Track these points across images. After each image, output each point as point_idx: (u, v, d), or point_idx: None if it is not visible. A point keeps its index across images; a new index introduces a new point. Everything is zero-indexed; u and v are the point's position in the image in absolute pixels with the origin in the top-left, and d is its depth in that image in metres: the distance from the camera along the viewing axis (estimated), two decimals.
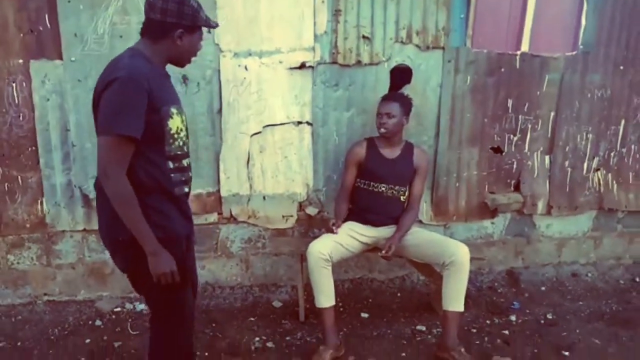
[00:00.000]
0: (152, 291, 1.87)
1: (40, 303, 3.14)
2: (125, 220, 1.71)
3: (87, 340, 2.81)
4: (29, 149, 2.88)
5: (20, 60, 2.76)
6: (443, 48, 3.17)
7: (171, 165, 1.84)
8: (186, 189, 1.93)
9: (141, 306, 3.16)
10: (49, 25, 2.74)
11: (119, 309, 3.13)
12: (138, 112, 1.67)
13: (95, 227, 3.05)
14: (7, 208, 2.95)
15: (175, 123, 1.81)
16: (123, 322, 3.00)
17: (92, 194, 2.98)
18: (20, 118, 2.84)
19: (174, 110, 1.81)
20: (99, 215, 1.88)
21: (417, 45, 3.14)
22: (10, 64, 2.76)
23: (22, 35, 2.73)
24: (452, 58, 3.19)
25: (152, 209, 1.78)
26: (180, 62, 1.89)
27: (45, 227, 2.99)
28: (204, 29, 1.92)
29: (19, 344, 2.78)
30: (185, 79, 2.92)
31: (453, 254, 2.62)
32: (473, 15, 3.19)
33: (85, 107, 2.85)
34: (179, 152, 1.86)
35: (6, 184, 2.91)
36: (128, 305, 3.16)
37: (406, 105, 2.85)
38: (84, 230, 3.07)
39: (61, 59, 2.76)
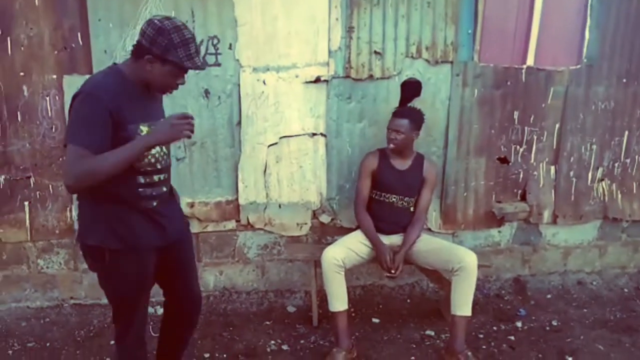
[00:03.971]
0: (109, 294, 2.01)
1: (67, 306, 3.29)
2: (113, 168, 1.72)
3: (112, 342, 2.94)
4: (60, 159, 3.04)
5: (54, 76, 2.93)
6: (451, 62, 3.30)
7: (142, 180, 1.89)
8: (154, 203, 1.95)
9: (161, 310, 3.28)
10: (81, 42, 2.91)
11: None
12: (96, 126, 1.72)
13: None
14: (39, 215, 3.11)
15: None
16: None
17: None
18: (53, 130, 3.00)
19: (143, 128, 1.84)
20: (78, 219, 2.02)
21: (426, 60, 3.27)
22: (45, 79, 2.93)
23: (56, 52, 2.90)
24: (460, 72, 3.32)
25: (116, 219, 1.87)
26: (151, 87, 1.89)
27: (74, 233, 3.14)
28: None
29: (47, 344, 2.92)
30: (207, 92, 3.08)
31: (461, 260, 2.73)
32: (480, 31, 3.31)
33: None
34: (149, 168, 1.90)
35: (38, 192, 3.08)
36: (150, 309, 3.25)
37: (416, 120, 2.95)
38: None
39: (92, 74, 2.92)
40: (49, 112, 2.97)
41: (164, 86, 1.89)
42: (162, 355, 2.41)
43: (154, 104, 1.98)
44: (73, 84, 2.95)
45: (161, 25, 1.76)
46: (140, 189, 1.89)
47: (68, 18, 2.88)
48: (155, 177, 1.94)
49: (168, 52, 1.77)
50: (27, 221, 3.12)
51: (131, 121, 1.80)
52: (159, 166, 1.94)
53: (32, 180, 3.06)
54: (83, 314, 3.22)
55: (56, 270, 3.24)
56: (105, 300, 3.27)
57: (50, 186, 3.07)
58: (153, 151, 1.89)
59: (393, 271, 2.82)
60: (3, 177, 3.03)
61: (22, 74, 2.91)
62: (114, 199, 1.85)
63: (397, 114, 2.97)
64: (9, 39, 2.85)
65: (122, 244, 1.88)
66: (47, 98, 2.95)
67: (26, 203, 3.09)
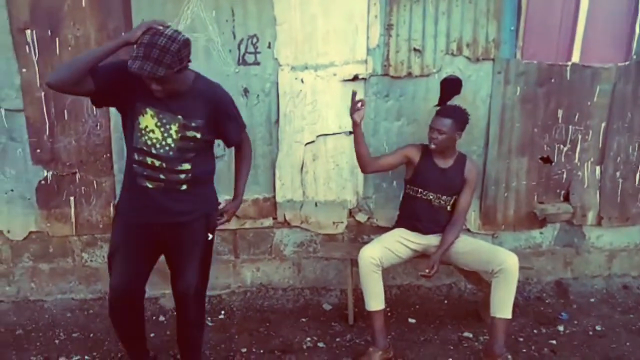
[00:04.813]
0: None
1: None
2: (88, 55, 1.98)
3: (152, 334, 3.02)
4: (104, 156, 3.13)
5: None
6: (493, 60, 3.23)
7: (136, 156, 2.12)
8: (148, 184, 2.14)
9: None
10: None
11: None
12: (109, 67, 2.00)
13: None
14: (83, 210, 3.21)
15: (145, 121, 2.07)
16: None
17: None
18: (98, 127, 3.09)
19: (150, 111, 2.06)
20: None
21: (467, 57, 3.21)
22: None
23: None
24: (502, 69, 3.24)
25: (120, 196, 2.30)
26: None
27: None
28: None
29: (91, 335, 3.01)
30: (246, 91, 3.11)
31: (502, 261, 2.67)
32: (523, 27, 3.24)
33: None
34: (144, 148, 2.09)
35: (82, 188, 3.17)
36: None
37: (460, 121, 2.86)
38: None
39: None
40: (94, 110, 3.05)
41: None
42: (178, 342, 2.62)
43: (177, 101, 2.07)
44: None
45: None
46: (134, 165, 2.13)
47: (113, 18, 2.95)
48: (148, 160, 2.11)
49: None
50: (72, 216, 3.22)
51: (139, 100, 2.04)
52: (153, 151, 2.10)
53: (77, 176, 3.16)
54: None
55: (99, 264, 3.33)
56: (146, 294, 3.39)
57: (95, 182, 3.15)
58: (151, 135, 2.08)
59: (428, 271, 2.78)
60: (50, 172, 3.14)
61: None
62: (126, 168, 2.21)
63: (440, 112, 2.89)
64: (57, 39, 2.95)
65: (115, 211, 2.33)
66: None
67: (71, 198, 3.19)
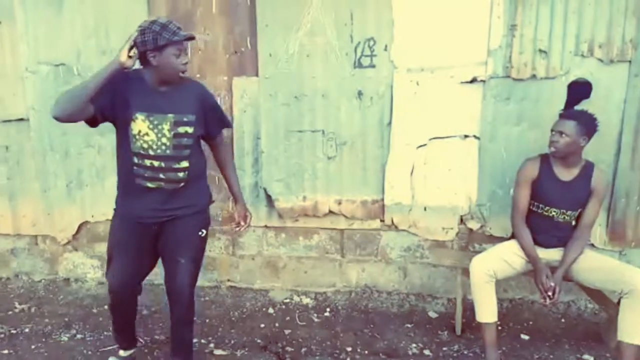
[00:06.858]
0: None
1: (224, 287, 3.59)
2: (82, 88, 2.05)
3: (262, 325, 3.15)
4: None
5: (225, 78, 3.20)
6: (630, 61, 2.95)
7: (135, 159, 2.22)
8: (149, 184, 2.24)
9: (307, 300, 3.45)
10: (249, 46, 3.15)
11: (288, 300, 3.45)
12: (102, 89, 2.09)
13: (276, 224, 3.43)
14: None
15: (137, 126, 2.17)
16: (292, 313, 3.30)
17: (274, 195, 3.35)
18: None
19: (139, 115, 2.16)
20: None
21: (599, 59, 2.97)
22: (217, 81, 3.21)
23: (227, 55, 3.17)
24: None
25: (119, 197, 2.36)
26: (167, 78, 2.17)
27: (233, 221, 3.40)
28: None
29: (207, 321, 3.21)
30: (360, 94, 3.14)
31: (635, 281, 2.43)
32: None
33: (274, 119, 3.22)
34: (141, 151, 2.20)
35: None
36: (296, 298, 3.47)
37: (586, 125, 2.62)
38: (265, 226, 3.46)
39: (257, 76, 3.15)
40: None
41: (174, 70, 2.14)
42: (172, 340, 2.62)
43: (167, 99, 2.20)
44: (241, 85, 3.20)
45: (141, 28, 2.08)
46: (134, 167, 2.23)
47: (239, 24, 3.13)
48: (147, 162, 2.21)
49: (157, 40, 2.06)
50: None
51: (129, 107, 2.15)
52: (151, 152, 2.20)
53: None
54: (237, 296, 3.49)
55: (217, 254, 3.56)
56: (257, 286, 3.56)
57: (217, 178, 3.33)
58: (146, 138, 2.18)
59: (550, 293, 2.60)
60: None
61: (198, 75, 3.22)
62: (122, 172, 2.30)
63: (564, 114, 2.70)
64: (189, 44, 3.18)
65: (114, 212, 2.38)
66: (218, 98, 3.21)
67: None
